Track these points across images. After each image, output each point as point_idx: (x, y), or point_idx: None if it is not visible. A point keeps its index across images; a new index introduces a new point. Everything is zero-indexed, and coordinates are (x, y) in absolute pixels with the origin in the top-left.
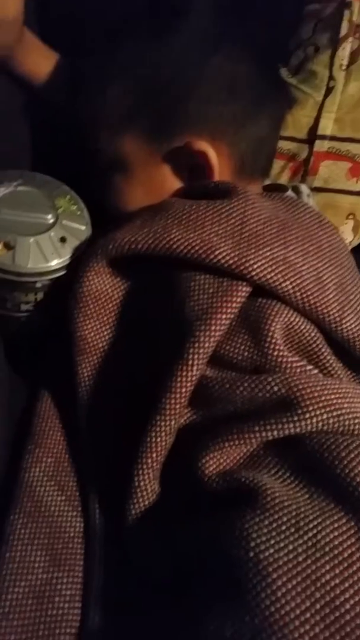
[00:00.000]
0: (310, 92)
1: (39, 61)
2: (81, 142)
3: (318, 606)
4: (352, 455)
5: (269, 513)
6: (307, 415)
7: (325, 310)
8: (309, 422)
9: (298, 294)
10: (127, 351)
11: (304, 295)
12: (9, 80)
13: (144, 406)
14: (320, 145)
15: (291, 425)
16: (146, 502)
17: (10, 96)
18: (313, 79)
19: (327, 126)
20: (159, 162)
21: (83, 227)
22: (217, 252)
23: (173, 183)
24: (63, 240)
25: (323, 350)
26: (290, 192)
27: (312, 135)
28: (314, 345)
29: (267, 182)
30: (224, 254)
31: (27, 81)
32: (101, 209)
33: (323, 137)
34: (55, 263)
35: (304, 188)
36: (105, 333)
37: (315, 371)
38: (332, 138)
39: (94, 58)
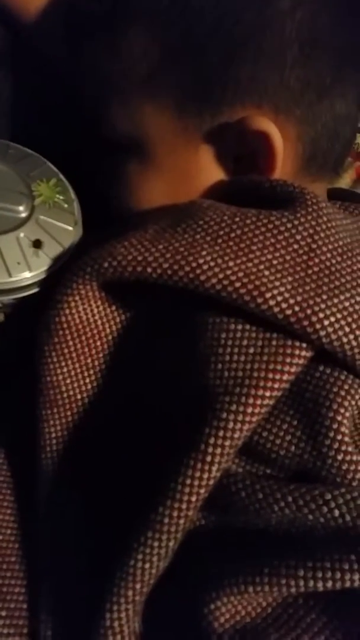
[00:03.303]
0: None
1: None
2: (81, 110)
3: None
4: None
5: None
6: None
7: None
8: None
9: None
10: (115, 411)
11: None
12: None
13: (131, 497)
14: None
15: (356, 576)
16: None
17: None
18: None
19: None
20: (194, 145)
21: (70, 227)
22: (268, 295)
23: (209, 176)
24: (38, 244)
25: None
26: None
27: None
28: None
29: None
30: (280, 297)
31: (11, 19)
32: (101, 203)
33: None
34: (22, 277)
35: None
36: (87, 381)
37: None
38: None
39: None
